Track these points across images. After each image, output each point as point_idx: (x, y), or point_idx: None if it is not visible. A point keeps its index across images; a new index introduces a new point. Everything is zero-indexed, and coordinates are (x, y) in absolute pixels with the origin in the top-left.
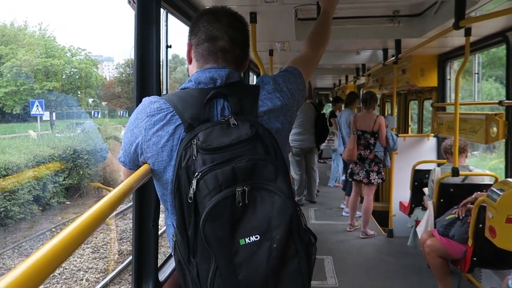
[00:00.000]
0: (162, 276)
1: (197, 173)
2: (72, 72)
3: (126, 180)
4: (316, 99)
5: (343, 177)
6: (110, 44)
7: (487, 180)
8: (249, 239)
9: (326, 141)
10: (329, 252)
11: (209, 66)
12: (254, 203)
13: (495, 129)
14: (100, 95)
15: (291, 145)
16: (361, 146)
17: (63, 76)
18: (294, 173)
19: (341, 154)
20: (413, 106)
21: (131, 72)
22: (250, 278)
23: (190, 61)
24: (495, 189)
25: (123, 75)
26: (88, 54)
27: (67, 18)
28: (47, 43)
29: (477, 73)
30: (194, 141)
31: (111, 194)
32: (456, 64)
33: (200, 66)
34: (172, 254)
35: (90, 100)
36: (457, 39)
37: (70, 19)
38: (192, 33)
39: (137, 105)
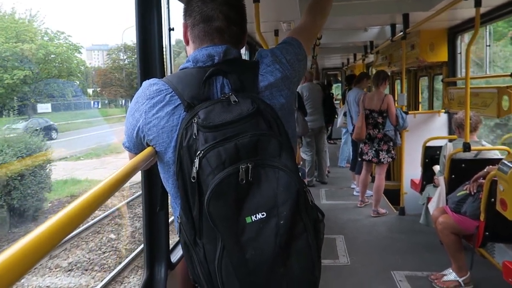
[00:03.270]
0: (175, 257)
1: (199, 152)
2: (49, 58)
3: (130, 161)
4: (325, 80)
5: (351, 157)
6: (117, 33)
7: (499, 155)
8: (255, 217)
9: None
10: (341, 231)
11: (206, 45)
12: (259, 180)
13: (507, 102)
14: (89, 84)
15: None
16: (370, 125)
17: (39, 64)
18: (304, 154)
19: (351, 133)
20: (423, 82)
21: (125, 58)
22: (258, 256)
23: (187, 42)
24: (506, 162)
25: (116, 61)
26: (68, 38)
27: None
28: (18, 27)
29: (489, 46)
30: (194, 120)
31: (115, 175)
32: (466, 37)
33: (197, 47)
34: (178, 236)
35: (91, 91)
36: (467, 10)
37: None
38: (186, 14)
39: None
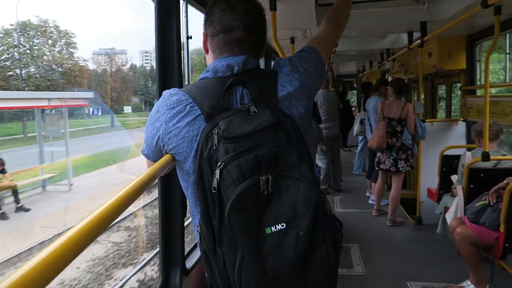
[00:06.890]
0: (189, 263)
1: (220, 163)
2: None
3: (149, 169)
4: (340, 87)
5: (368, 165)
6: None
7: None
8: (275, 228)
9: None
10: (356, 240)
11: (225, 56)
12: (279, 191)
13: None
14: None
15: None
16: (388, 134)
17: None
18: (320, 161)
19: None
20: (441, 90)
21: (24, 43)
22: (278, 267)
23: (206, 51)
24: None
25: (11, 48)
26: None
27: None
28: None
29: (508, 53)
30: (215, 131)
31: (134, 182)
32: (485, 45)
33: (216, 57)
34: (198, 245)
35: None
36: (486, 18)
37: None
38: (207, 23)
39: (158, 98)
